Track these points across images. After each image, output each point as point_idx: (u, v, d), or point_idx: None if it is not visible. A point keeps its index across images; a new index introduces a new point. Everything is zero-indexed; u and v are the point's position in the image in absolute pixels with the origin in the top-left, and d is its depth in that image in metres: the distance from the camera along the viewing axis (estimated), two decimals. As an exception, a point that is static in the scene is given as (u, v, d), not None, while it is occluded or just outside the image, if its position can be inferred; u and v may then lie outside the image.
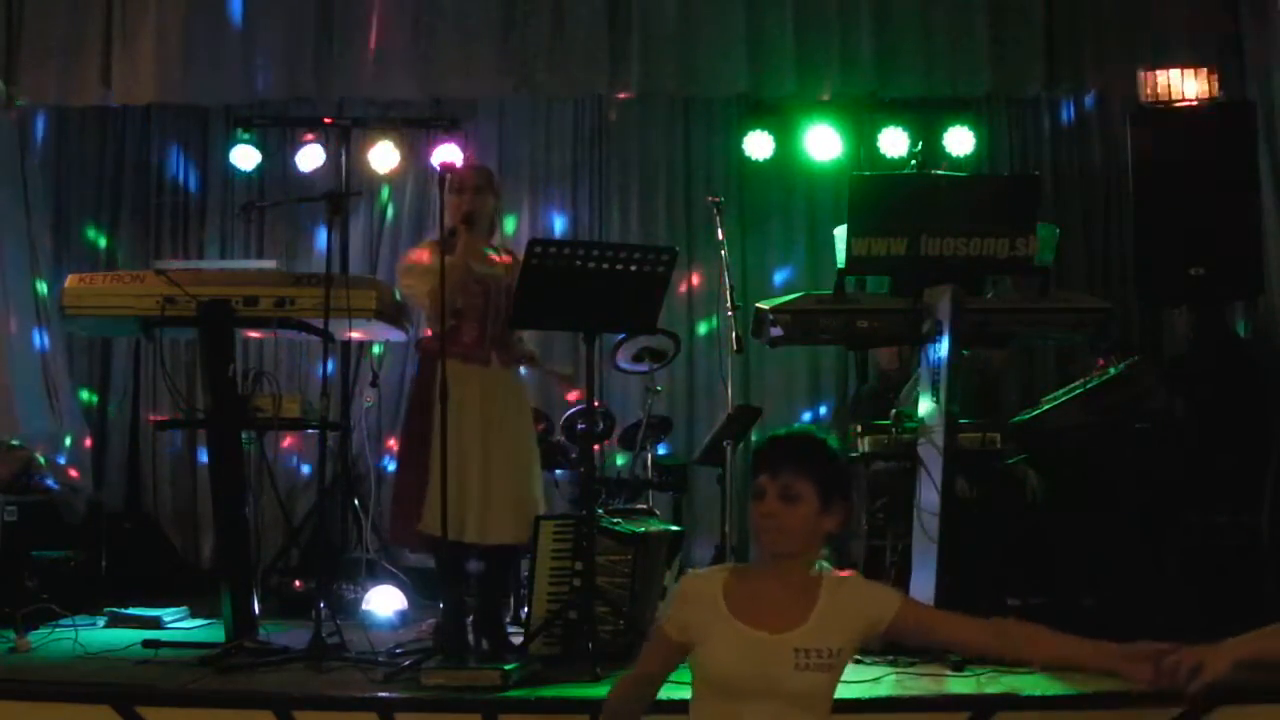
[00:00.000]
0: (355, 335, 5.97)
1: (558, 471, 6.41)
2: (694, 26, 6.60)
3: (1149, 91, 6.12)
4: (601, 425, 6.20)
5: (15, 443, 6.56)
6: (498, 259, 5.06)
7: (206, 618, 5.79)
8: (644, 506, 5.97)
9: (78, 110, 7.45)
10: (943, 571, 4.63)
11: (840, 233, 5.06)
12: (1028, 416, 5.89)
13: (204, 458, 7.25)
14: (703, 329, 7.70)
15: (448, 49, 6.60)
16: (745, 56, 6.59)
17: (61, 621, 5.37)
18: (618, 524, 5.06)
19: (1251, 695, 3.77)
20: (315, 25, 6.61)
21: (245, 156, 7.49)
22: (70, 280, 5.40)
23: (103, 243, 7.92)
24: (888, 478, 5.38)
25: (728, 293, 5.59)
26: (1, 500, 5.95)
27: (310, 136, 7.44)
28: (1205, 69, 6.11)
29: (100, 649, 5.00)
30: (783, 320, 5.14)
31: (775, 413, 7.41)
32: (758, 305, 5.42)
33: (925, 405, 4.95)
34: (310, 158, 7.48)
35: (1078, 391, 5.67)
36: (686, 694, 2.64)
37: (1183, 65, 6.13)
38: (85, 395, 7.74)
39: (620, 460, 6.70)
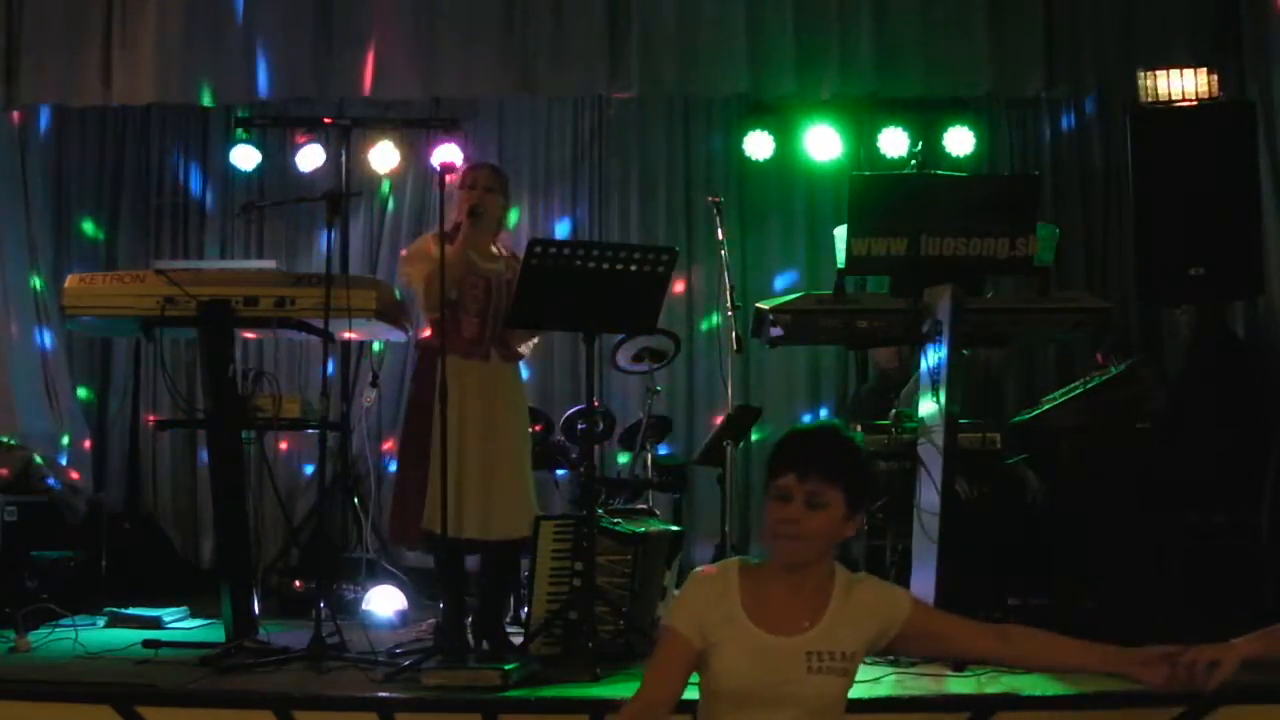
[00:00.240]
0: (350, 335, 5.97)
1: (558, 471, 6.40)
2: (694, 26, 6.59)
3: (1149, 91, 6.12)
4: (601, 425, 6.21)
5: (15, 442, 6.57)
6: (501, 255, 5.06)
7: (206, 618, 5.79)
8: (644, 506, 5.96)
9: (78, 110, 7.45)
10: (943, 571, 4.63)
11: (840, 233, 5.06)
12: (1028, 416, 5.90)
13: (204, 458, 7.25)
14: (703, 329, 7.70)
15: (448, 49, 6.60)
16: (745, 56, 6.58)
17: (61, 621, 5.36)
18: (618, 524, 5.06)
19: (1251, 695, 3.77)
20: (315, 25, 6.60)
21: (245, 156, 7.49)
22: (70, 280, 5.40)
23: (102, 242, 7.93)
24: (888, 478, 5.38)
25: (728, 293, 5.60)
26: (1, 500, 5.95)
27: (302, 139, 7.45)
28: (1205, 69, 6.10)
29: (100, 649, 5.00)
30: (783, 320, 5.14)
31: (775, 413, 7.41)
32: (758, 305, 5.42)
33: (925, 405, 4.95)
34: (310, 158, 7.48)
35: (1078, 391, 5.67)
36: (688, 694, 2.61)
37: (1183, 65, 6.12)
38: (85, 395, 7.74)
39: (623, 459, 6.70)
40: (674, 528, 5.72)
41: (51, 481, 6.52)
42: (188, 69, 6.55)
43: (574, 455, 6.09)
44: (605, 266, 4.67)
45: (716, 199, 5.90)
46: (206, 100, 6.69)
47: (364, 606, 5.98)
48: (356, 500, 6.77)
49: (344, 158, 7.11)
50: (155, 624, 5.68)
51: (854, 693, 3.93)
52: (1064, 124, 7.84)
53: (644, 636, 4.92)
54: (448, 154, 6.97)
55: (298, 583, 6.40)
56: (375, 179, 7.75)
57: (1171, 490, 5.40)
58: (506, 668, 4.18)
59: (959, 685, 4.17)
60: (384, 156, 7.52)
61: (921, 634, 2.59)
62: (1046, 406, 5.83)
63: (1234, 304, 6.33)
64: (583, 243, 6.00)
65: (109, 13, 6.55)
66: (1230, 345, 6.12)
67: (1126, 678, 2.55)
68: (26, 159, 7.33)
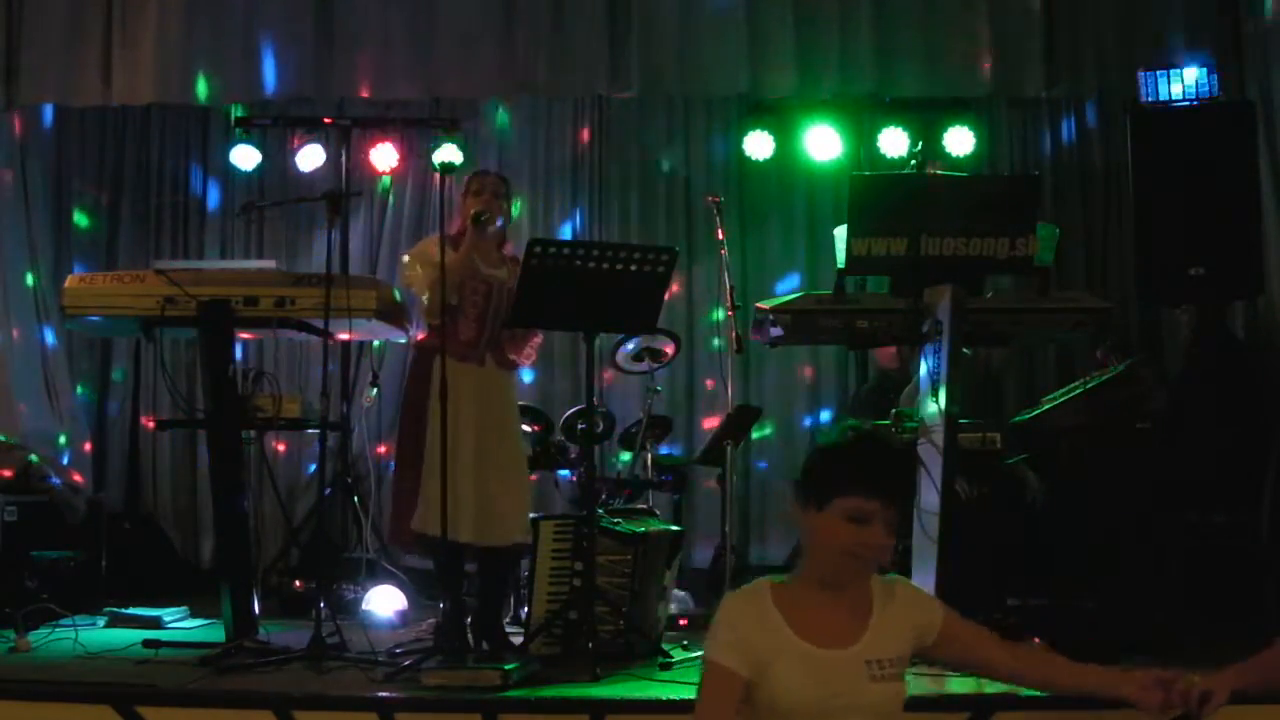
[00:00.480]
0: (346, 336, 5.96)
1: (558, 471, 6.40)
2: (694, 26, 6.59)
3: (1149, 92, 6.12)
4: (601, 425, 6.20)
5: (15, 442, 6.57)
6: (505, 260, 5.07)
7: (206, 618, 5.78)
8: (644, 506, 5.96)
9: (78, 110, 7.45)
10: (943, 571, 4.63)
11: (840, 233, 5.06)
12: (1028, 416, 5.90)
13: (204, 458, 7.25)
14: (703, 329, 7.70)
15: (448, 49, 6.59)
16: (745, 56, 6.58)
17: (61, 621, 5.36)
18: (618, 524, 5.06)
19: (1251, 696, 3.77)
20: (315, 25, 6.60)
21: (245, 156, 7.49)
22: (70, 280, 5.41)
23: (102, 242, 7.92)
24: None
25: (728, 293, 5.59)
26: (1, 500, 5.95)
27: (298, 141, 7.45)
28: (1205, 69, 6.11)
29: (100, 649, 5.00)
30: (783, 320, 5.13)
31: (775, 413, 7.41)
32: (758, 305, 5.41)
33: (925, 405, 4.95)
34: (310, 158, 7.48)
35: (1078, 391, 5.67)
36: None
37: (1183, 65, 6.13)
38: (85, 395, 7.74)
39: (623, 458, 6.70)
40: (674, 528, 5.72)
41: (53, 479, 6.52)
42: (188, 69, 6.55)
43: (574, 455, 6.08)
44: (605, 266, 4.67)
45: (716, 199, 5.90)
46: (206, 100, 6.69)
47: (364, 606, 5.98)
48: (356, 500, 6.77)
49: (344, 158, 7.10)
50: (155, 624, 5.67)
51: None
52: (1064, 124, 7.83)
53: (644, 636, 4.93)
54: (448, 154, 6.98)
55: (298, 583, 6.40)
56: (375, 179, 7.75)
57: (1171, 490, 5.40)
58: (506, 668, 4.18)
59: (959, 685, 4.16)
60: (384, 157, 7.52)
61: (950, 640, 2.60)
62: (1046, 406, 5.83)
63: (1234, 304, 6.34)
64: (583, 243, 6.00)
65: (109, 12, 6.55)
66: (1230, 345, 6.12)
67: (1122, 701, 2.59)
68: (26, 159, 7.32)
